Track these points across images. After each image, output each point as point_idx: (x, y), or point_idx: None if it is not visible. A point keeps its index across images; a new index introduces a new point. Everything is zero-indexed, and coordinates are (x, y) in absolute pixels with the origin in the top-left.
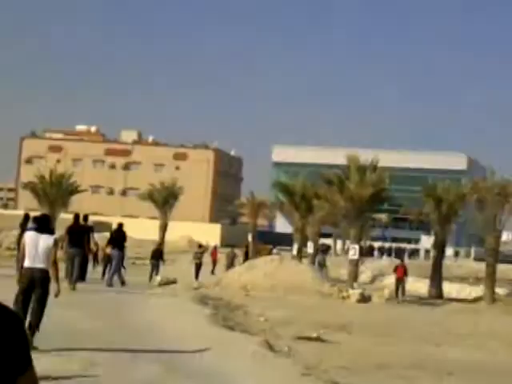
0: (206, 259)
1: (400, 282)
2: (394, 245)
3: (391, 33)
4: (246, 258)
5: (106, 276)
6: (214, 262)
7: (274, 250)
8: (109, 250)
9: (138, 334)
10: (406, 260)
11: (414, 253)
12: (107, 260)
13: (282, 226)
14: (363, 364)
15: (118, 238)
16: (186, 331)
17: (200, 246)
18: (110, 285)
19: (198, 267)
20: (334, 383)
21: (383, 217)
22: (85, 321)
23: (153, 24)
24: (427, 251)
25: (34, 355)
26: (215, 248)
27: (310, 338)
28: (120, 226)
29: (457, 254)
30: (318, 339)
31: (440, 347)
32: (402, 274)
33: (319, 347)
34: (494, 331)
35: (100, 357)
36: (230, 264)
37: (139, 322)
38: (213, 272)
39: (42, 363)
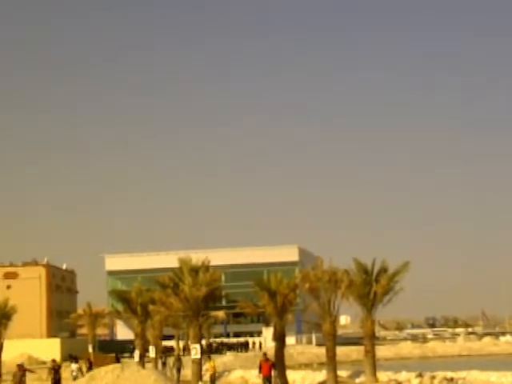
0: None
1: (267, 378)
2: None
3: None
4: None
5: None
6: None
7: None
8: None
9: None
10: (237, 353)
11: (246, 345)
12: None
13: (124, 332)
14: None
15: None
16: None
17: (53, 360)
18: None
19: (58, 381)
20: None
21: (221, 314)
22: None
23: None
24: (254, 343)
25: None
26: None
27: None
28: None
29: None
30: None
31: None
32: (268, 370)
33: None
34: None
35: None
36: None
37: None
38: None
39: None
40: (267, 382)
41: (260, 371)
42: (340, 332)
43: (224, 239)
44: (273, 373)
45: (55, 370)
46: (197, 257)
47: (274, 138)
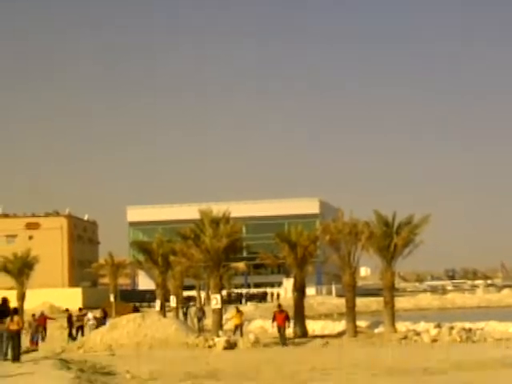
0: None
1: (281, 328)
2: (255, 290)
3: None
4: (106, 318)
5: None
6: (44, 329)
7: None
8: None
9: None
10: (258, 304)
11: (264, 296)
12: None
13: (145, 282)
14: None
15: (6, 312)
16: None
17: (80, 309)
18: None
19: (81, 329)
20: None
21: (241, 265)
22: None
23: None
24: (272, 294)
25: None
26: (42, 314)
27: None
28: (4, 300)
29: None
30: None
31: None
32: (282, 321)
33: None
34: (357, 362)
35: None
36: (35, 332)
37: None
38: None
39: None
40: (281, 331)
41: (273, 321)
42: (360, 283)
43: (246, 191)
44: (287, 323)
45: (68, 319)
46: (218, 208)
47: (293, 85)
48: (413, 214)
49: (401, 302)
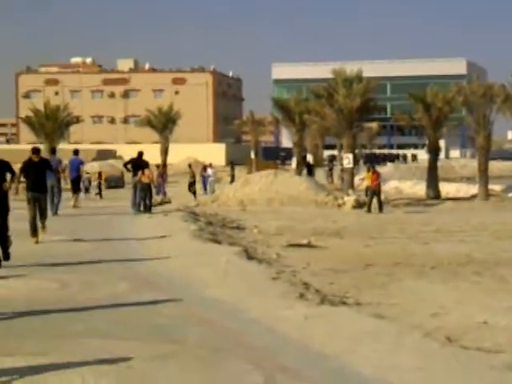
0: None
1: (374, 190)
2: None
3: None
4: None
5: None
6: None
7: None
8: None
9: (118, 250)
10: (400, 165)
11: (405, 158)
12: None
13: (288, 141)
14: (350, 265)
15: (141, 165)
16: (164, 246)
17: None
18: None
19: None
20: (303, 283)
21: (374, 125)
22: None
23: None
24: (404, 155)
25: None
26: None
27: (300, 245)
28: (140, 154)
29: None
30: (308, 245)
31: (428, 244)
32: (373, 181)
33: (308, 252)
34: (484, 225)
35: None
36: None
37: (123, 240)
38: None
39: None
40: (371, 193)
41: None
42: (506, 146)
43: (395, 51)
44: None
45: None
46: (367, 68)
47: None
48: None
49: None
